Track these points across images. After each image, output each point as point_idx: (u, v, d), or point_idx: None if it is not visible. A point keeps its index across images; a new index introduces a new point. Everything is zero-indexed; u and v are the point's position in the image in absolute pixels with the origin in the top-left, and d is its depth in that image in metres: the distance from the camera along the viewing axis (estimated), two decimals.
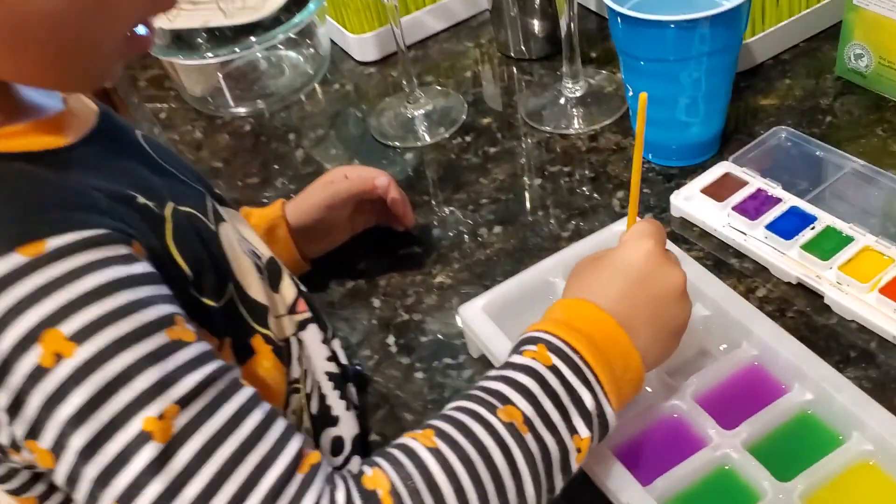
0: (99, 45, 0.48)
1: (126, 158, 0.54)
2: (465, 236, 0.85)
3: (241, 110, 1.12)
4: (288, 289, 0.64)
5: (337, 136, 1.05)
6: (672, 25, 0.77)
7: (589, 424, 0.51)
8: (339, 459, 0.65)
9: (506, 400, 0.50)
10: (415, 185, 0.94)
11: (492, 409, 0.49)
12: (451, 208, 0.89)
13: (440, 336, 0.76)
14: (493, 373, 0.53)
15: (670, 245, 0.65)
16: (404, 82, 1.01)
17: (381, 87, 1.11)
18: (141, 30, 0.50)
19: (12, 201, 0.44)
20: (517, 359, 0.53)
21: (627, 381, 0.54)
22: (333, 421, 0.65)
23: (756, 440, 0.58)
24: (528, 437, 0.49)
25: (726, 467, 0.57)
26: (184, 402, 0.43)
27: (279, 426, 0.47)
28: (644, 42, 0.81)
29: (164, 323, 0.44)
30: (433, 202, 0.91)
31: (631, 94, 0.86)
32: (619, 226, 0.74)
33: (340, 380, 0.67)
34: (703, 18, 0.76)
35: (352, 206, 0.81)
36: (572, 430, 0.51)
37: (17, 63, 0.46)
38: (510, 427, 0.49)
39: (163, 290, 0.46)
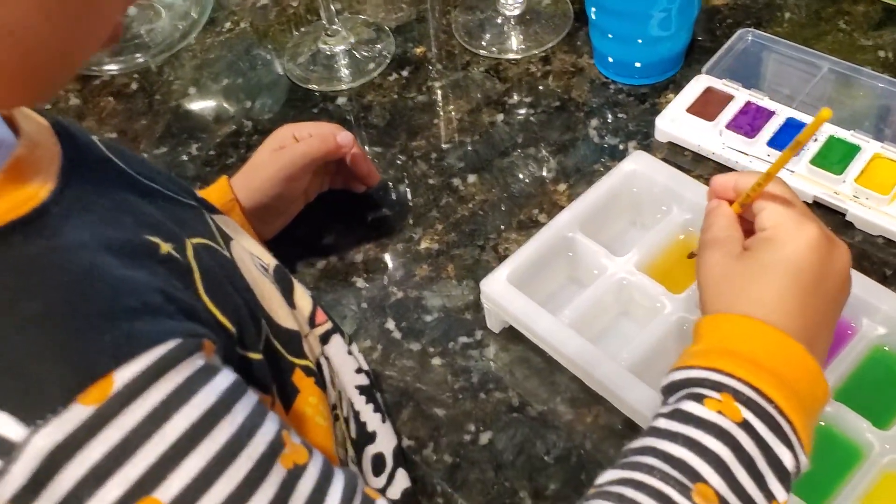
0: (82, 51, 0.36)
1: (114, 188, 0.41)
2: (439, 191, 0.76)
3: (116, 67, 0.94)
4: (302, 299, 0.55)
5: (245, 85, 0.91)
6: None
7: (787, 485, 0.42)
8: (383, 478, 0.57)
9: (696, 476, 0.40)
10: (360, 136, 0.83)
11: (684, 490, 0.39)
12: (412, 159, 0.79)
13: (446, 311, 0.68)
14: (666, 425, 0.42)
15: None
16: (321, 12, 0.88)
17: (281, 21, 0.97)
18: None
19: (50, 318, 0.32)
20: (699, 410, 0.42)
21: (816, 411, 0.44)
22: (371, 438, 0.57)
23: (840, 386, 0.55)
24: None
25: (822, 423, 0.54)
26: None
27: None
28: None
29: (275, 451, 0.35)
30: (388, 154, 0.80)
31: (594, 13, 0.78)
32: (629, 165, 0.67)
33: (370, 390, 0.58)
34: None
35: (311, 173, 0.70)
36: (769, 497, 0.41)
37: None
38: None
39: (252, 397, 0.37)
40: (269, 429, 0.36)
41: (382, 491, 0.57)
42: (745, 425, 0.41)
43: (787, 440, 0.41)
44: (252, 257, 0.51)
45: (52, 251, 0.34)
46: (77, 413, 0.31)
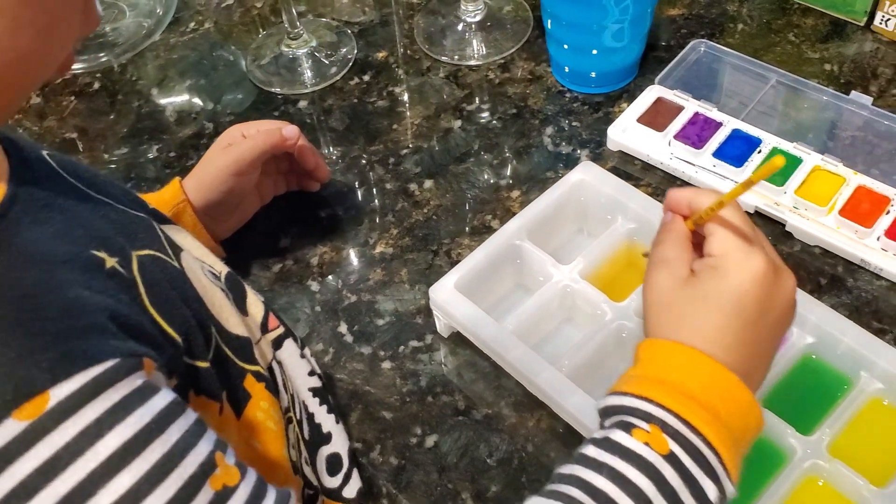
0: (35, 80, 0.37)
1: (64, 202, 0.42)
2: (395, 195, 0.78)
3: (79, 66, 0.95)
4: (255, 305, 0.56)
5: (209, 86, 0.91)
6: None
7: None
8: (339, 478, 0.59)
9: None
10: (319, 140, 0.84)
11: None
12: (370, 163, 0.81)
13: (398, 316, 0.70)
14: (594, 453, 0.42)
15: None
16: (283, 15, 0.89)
17: (245, 22, 0.98)
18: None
19: None
20: (626, 441, 0.42)
21: (748, 441, 0.45)
22: (327, 438, 0.59)
23: (769, 393, 0.58)
24: None
25: None
26: None
27: None
28: None
29: (206, 472, 0.36)
30: (346, 158, 0.82)
31: (550, 24, 0.80)
32: (577, 175, 0.69)
33: (323, 392, 0.60)
34: None
35: (259, 168, 0.71)
36: None
37: None
38: None
39: (189, 417, 0.38)
40: (202, 450, 0.37)
41: (338, 490, 0.59)
42: (671, 457, 0.42)
43: (713, 472, 0.42)
44: (203, 266, 0.52)
45: (1, 266, 0.35)
46: (10, 428, 0.32)
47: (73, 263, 0.37)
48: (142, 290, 0.41)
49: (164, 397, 0.37)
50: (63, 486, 0.32)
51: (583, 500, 0.41)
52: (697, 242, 0.49)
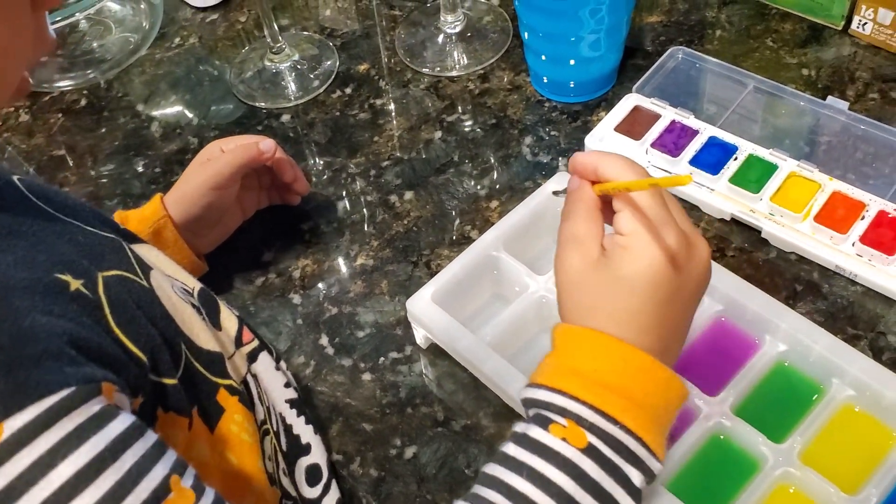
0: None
1: (30, 228, 0.43)
2: (376, 207, 0.78)
3: (67, 83, 0.96)
4: (228, 319, 0.57)
5: (194, 101, 0.92)
6: None
7: (637, 498, 0.43)
8: (318, 488, 0.59)
9: None
10: (302, 152, 0.85)
11: None
12: (351, 175, 0.81)
13: (378, 327, 0.70)
14: (515, 452, 0.43)
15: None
16: (265, 30, 0.90)
17: (230, 36, 0.99)
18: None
19: None
20: (544, 438, 0.43)
21: (672, 413, 0.46)
22: (305, 450, 0.60)
23: (741, 401, 0.58)
24: None
25: (721, 437, 0.57)
26: None
27: None
28: None
29: (158, 497, 0.37)
30: (328, 171, 0.82)
31: (527, 36, 0.81)
32: (553, 185, 0.70)
33: (300, 404, 0.61)
34: None
35: (238, 182, 0.72)
36: None
37: None
38: None
39: (147, 440, 0.38)
40: (156, 474, 0.37)
41: (318, 501, 0.59)
42: (590, 450, 0.42)
43: (635, 457, 0.43)
44: (174, 284, 0.52)
45: None
46: None
47: (32, 290, 0.38)
48: (107, 310, 0.42)
49: (122, 422, 0.37)
50: None
51: None
52: (606, 203, 0.48)
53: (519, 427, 0.45)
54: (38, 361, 0.35)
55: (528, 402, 0.46)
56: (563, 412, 0.44)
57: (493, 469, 0.44)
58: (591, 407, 0.43)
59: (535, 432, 0.44)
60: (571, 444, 0.42)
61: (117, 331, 0.42)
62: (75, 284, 0.41)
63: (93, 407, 0.36)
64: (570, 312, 0.47)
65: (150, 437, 0.38)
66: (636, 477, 0.43)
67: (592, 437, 0.43)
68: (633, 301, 0.45)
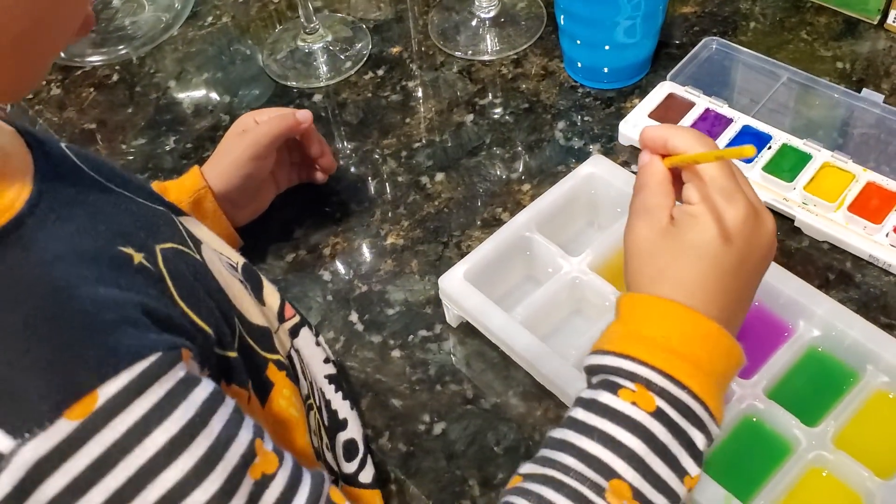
0: (53, 41, 0.38)
1: (87, 197, 0.43)
2: (407, 188, 0.79)
3: (99, 58, 0.96)
4: (271, 295, 0.57)
5: (225, 80, 0.93)
6: None
7: (699, 461, 0.44)
8: (355, 463, 0.60)
9: (611, 473, 0.42)
10: (333, 132, 0.85)
11: (599, 491, 0.41)
12: (383, 156, 0.82)
13: (407, 306, 0.70)
14: (584, 417, 0.44)
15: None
16: (300, 10, 0.90)
17: (263, 17, 0.99)
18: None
19: (32, 331, 0.33)
20: (614, 402, 0.44)
21: (730, 378, 0.46)
22: (343, 425, 0.60)
23: (774, 385, 0.58)
24: None
25: (753, 419, 0.57)
26: None
27: None
28: None
29: (246, 462, 0.37)
30: (360, 151, 0.83)
31: (563, 20, 0.81)
32: (588, 168, 0.70)
33: (338, 379, 0.61)
34: None
35: (275, 153, 0.72)
36: (682, 475, 0.43)
37: None
38: None
39: (228, 405, 0.38)
40: (243, 439, 0.38)
41: (354, 475, 0.60)
42: (659, 413, 0.43)
43: (700, 421, 0.44)
44: (221, 258, 0.52)
45: (29, 263, 0.36)
46: (62, 427, 0.33)
47: (99, 260, 0.38)
48: (169, 283, 0.42)
49: (205, 388, 0.37)
50: (114, 482, 0.33)
51: (577, 468, 0.42)
52: (676, 176, 0.49)
53: (585, 393, 0.45)
54: (120, 327, 0.35)
55: (595, 369, 0.46)
56: (632, 377, 0.44)
57: (563, 433, 0.44)
58: (661, 372, 0.44)
59: (605, 397, 0.44)
60: (641, 407, 0.43)
61: (181, 304, 0.42)
62: (138, 257, 0.41)
63: (178, 372, 0.36)
64: (637, 279, 0.48)
65: (230, 403, 0.39)
66: (700, 440, 0.44)
67: (661, 401, 0.43)
68: (699, 268, 0.45)
